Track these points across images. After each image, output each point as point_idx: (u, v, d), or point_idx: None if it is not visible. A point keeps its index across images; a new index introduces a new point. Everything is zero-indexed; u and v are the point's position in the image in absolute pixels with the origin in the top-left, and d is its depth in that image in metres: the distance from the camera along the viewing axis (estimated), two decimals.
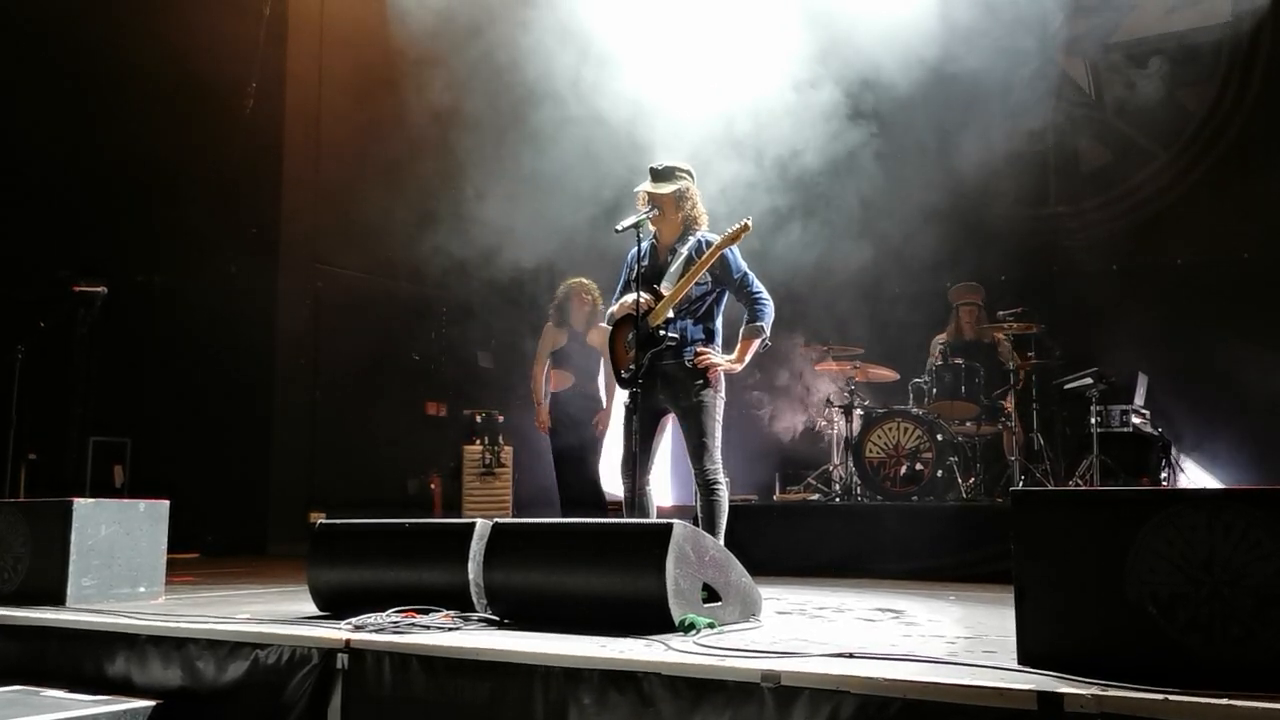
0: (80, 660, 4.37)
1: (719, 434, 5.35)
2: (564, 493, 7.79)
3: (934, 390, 8.71)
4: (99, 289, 7.92)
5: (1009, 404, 8.54)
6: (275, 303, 10.89)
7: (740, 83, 9.34)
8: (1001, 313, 8.74)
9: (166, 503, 5.61)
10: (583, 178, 10.18)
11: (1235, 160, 9.73)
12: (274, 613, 4.67)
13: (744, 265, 5.46)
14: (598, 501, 7.66)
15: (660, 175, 5.47)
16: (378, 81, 10.48)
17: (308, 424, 10.98)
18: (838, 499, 8.81)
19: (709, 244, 5.35)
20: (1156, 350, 9.04)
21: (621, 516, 5.46)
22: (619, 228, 5.33)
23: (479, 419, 11.35)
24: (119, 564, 5.27)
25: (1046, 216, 10.62)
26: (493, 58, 9.90)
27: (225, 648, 4.03)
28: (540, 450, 11.20)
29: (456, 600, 4.25)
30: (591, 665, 3.29)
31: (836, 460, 9.41)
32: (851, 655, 3.22)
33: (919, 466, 8.25)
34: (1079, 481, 8.19)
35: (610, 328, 5.59)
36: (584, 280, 7.96)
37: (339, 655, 3.75)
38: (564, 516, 7.48)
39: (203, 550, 9.55)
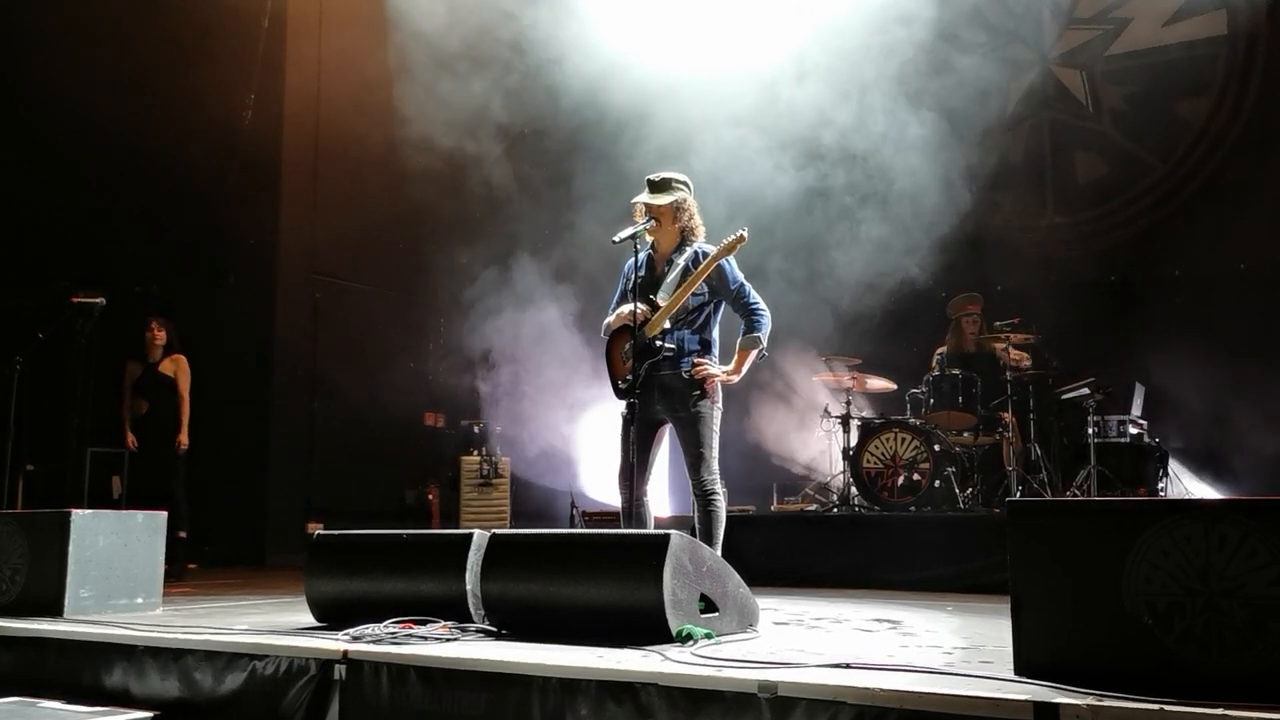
0: (78, 671, 4.37)
1: (716, 444, 5.34)
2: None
3: (931, 400, 8.72)
4: (97, 300, 7.92)
5: (1006, 414, 8.55)
6: (273, 313, 10.90)
7: (733, 94, 9.42)
8: (999, 323, 8.75)
9: (164, 514, 5.62)
10: (582, 184, 10.23)
11: (1232, 172, 9.75)
12: (272, 624, 4.66)
13: (740, 276, 5.46)
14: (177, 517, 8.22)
15: (658, 186, 5.48)
16: (376, 92, 10.51)
17: (306, 435, 10.98)
18: (835, 509, 8.81)
19: (706, 255, 5.36)
20: (1153, 361, 9.05)
21: (619, 527, 5.45)
22: (616, 239, 5.33)
23: (477, 430, 11.36)
24: (117, 575, 5.27)
25: (1044, 228, 10.64)
26: (491, 67, 9.95)
27: (223, 659, 4.03)
28: (534, 461, 11.26)
29: (454, 611, 4.25)
30: (589, 676, 3.29)
31: (834, 470, 9.42)
32: (848, 666, 3.23)
33: (916, 477, 8.26)
34: (1076, 492, 8.18)
35: (607, 338, 5.59)
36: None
37: (336, 666, 3.74)
38: None
39: (200, 561, 9.53)
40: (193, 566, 8.64)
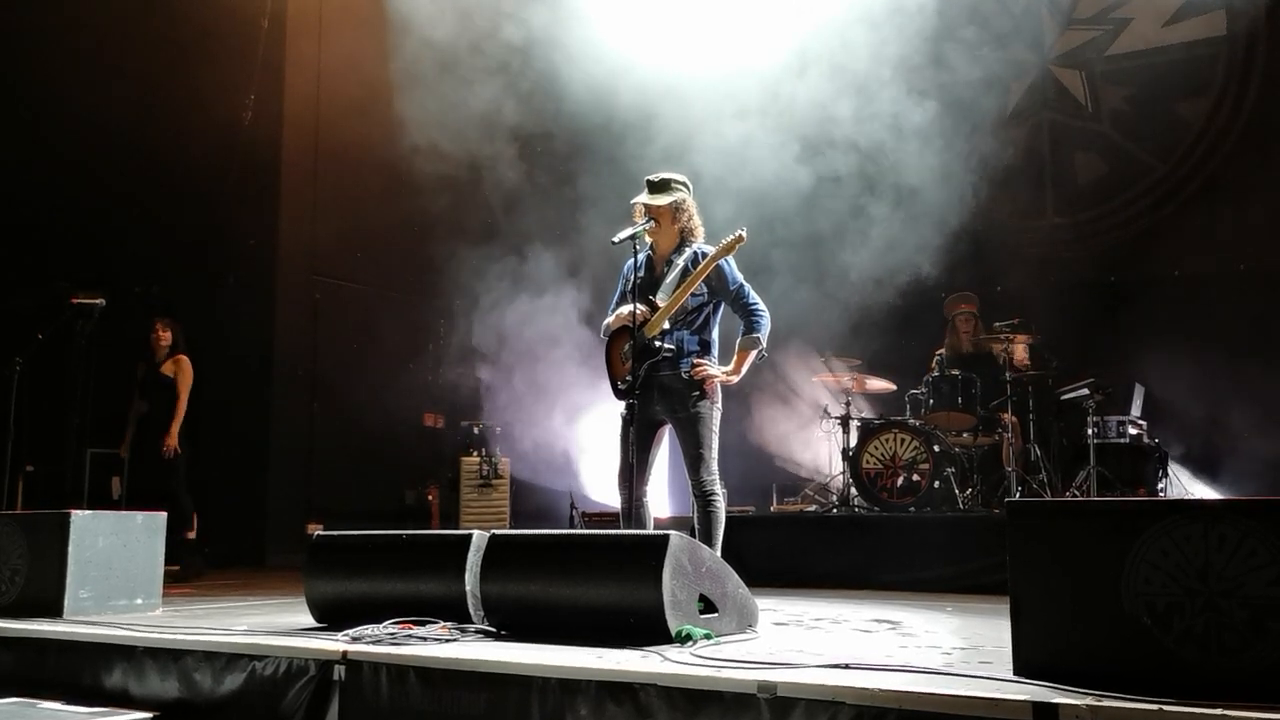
0: (78, 672, 4.37)
1: (715, 445, 5.34)
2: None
3: (931, 401, 8.72)
4: (97, 300, 7.92)
5: (1006, 415, 8.55)
6: (273, 314, 10.89)
7: (734, 93, 9.42)
8: (998, 324, 8.75)
9: (164, 514, 5.63)
10: (586, 185, 10.23)
11: (1231, 172, 9.76)
12: (271, 624, 4.66)
13: (740, 276, 5.47)
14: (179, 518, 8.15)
15: (657, 187, 5.48)
16: (375, 93, 10.50)
17: (305, 435, 10.97)
18: (835, 510, 8.81)
19: (705, 255, 5.36)
20: (1153, 361, 9.05)
21: (619, 528, 5.45)
22: (615, 239, 5.33)
23: (476, 430, 11.36)
24: (116, 576, 5.27)
25: (1043, 228, 10.64)
26: (493, 69, 9.95)
27: (222, 659, 4.03)
28: (534, 462, 11.26)
29: (453, 611, 4.25)
30: (588, 676, 3.29)
31: (834, 471, 9.41)
32: (847, 666, 3.23)
33: (916, 477, 8.26)
34: (1076, 492, 8.18)
35: (606, 339, 5.59)
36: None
37: (336, 667, 3.75)
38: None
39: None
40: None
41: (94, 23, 9.69)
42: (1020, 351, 8.79)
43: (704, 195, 5.88)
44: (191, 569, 8.20)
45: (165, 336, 8.72)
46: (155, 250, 10.54)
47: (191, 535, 8.40)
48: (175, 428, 8.46)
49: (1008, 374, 8.53)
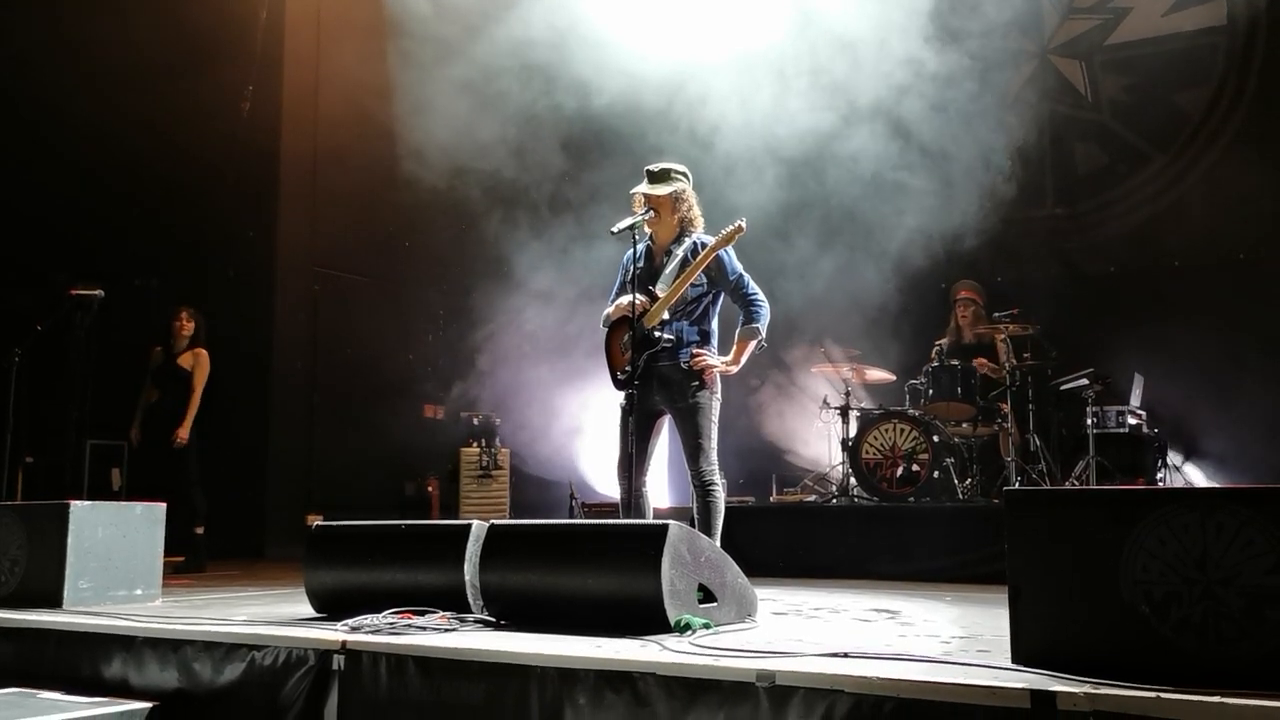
0: (77, 662, 4.38)
1: (715, 435, 5.35)
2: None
3: (930, 391, 8.72)
4: (96, 292, 7.90)
5: (1005, 405, 8.55)
6: (272, 306, 10.87)
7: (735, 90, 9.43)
8: (998, 314, 8.75)
9: (163, 505, 5.62)
10: (590, 179, 10.22)
11: (1231, 162, 9.73)
12: (271, 615, 4.67)
13: (739, 267, 5.47)
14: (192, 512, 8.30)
15: (657, 177, 5.48)
16: (375, 85, 10.48)
17: (305, 427, 10.97)
18: (834, 500, 8.82)
19: (704, 245, 5.36)
20: (1152, 351, 9.05)
21: (619, 518, 5.46)
22: (615, 229, 5.33)
23: (476, 421, 11.36)
24: (116, 566, 5.28)
25: (1043, 218, 10.62)
26: (489, 62, 9.94)
27: (222, 649, 4.03)
28: (534, 452, 11.26)
29: (452, 601, 4.26)
30: (587, 665, 3.29)
31: (833, 461, 9.42)
32: (846, 655, 3.23)
33: (915, 468, 8.26)
34: (1075, 482, 8.19)
35: (606, 329, 5.59)
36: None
37: (335, 656, 3.75)
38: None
39: None
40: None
41: (93, 22, 9.66)
42: (994, 366, 8.77)
43: (711, 193, 5.87)
44: (194, 563, 8.18)
45: (188, 326, 8.54)
46: (154, 243, 10.52)
47: (201, 531, 8.35)
48: (188, 422, 8.34)
49: (1007, 365, 8.54)
